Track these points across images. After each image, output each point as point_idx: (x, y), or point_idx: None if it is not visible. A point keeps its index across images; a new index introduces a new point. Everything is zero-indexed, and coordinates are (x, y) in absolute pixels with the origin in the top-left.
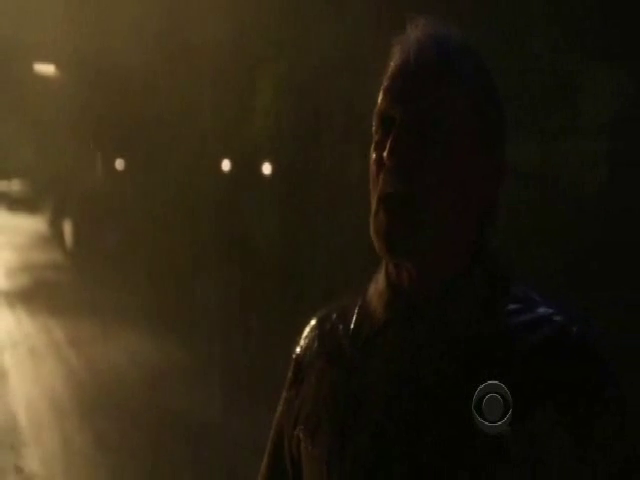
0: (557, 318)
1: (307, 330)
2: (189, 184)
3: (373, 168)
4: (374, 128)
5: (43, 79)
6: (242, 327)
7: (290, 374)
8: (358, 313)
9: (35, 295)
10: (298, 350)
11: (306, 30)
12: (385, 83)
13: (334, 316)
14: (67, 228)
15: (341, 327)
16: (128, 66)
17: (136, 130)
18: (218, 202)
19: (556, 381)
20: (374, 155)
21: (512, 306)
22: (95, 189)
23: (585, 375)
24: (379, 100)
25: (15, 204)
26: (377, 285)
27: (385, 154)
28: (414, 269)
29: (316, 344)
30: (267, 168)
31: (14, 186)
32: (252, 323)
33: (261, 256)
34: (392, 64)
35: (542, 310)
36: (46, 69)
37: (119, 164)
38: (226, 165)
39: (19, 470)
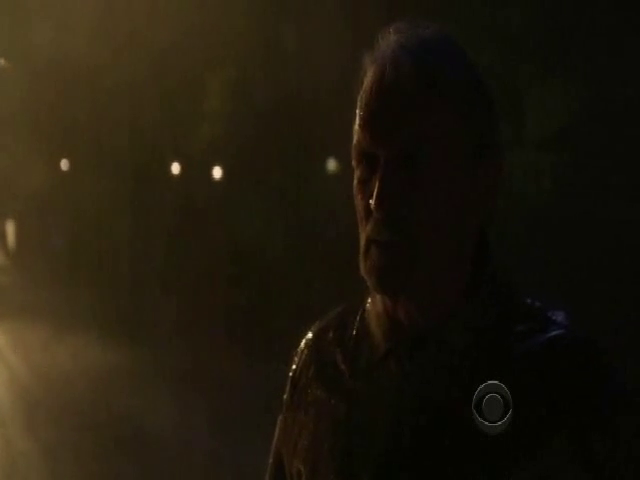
0: (568, 339)
1: (302, 346)
2: (137, 186)
3: (359, 209)
4: (354, 162)
5: None
6: (190, 331)
7: (286, 396)
8: (356, 336)
9: None
10: (294, 368)
11: (256, 35)
12: (361, 112)
13: (330, 335)
14: (9, 228)
15: (339, 351)
16: (76, 65)
17: (83, 130)
18: (167, 205)
19: (569, 406)
20: (359, 196)
21: (519, 327)
22: (39, 189)
23: (599, 400)
24: (356, 131)
25: None
26: (375, 306)
27: (372, 203)
28: (411, 304)
29: (313, 367)
30: (217, 172)
31: None
32: (201, 326)
33: (210, 258)
34: (365, 86)
35: (551, 330)
36: (4, 63)
37: (64, 164)
38: (176, 168)
39: None
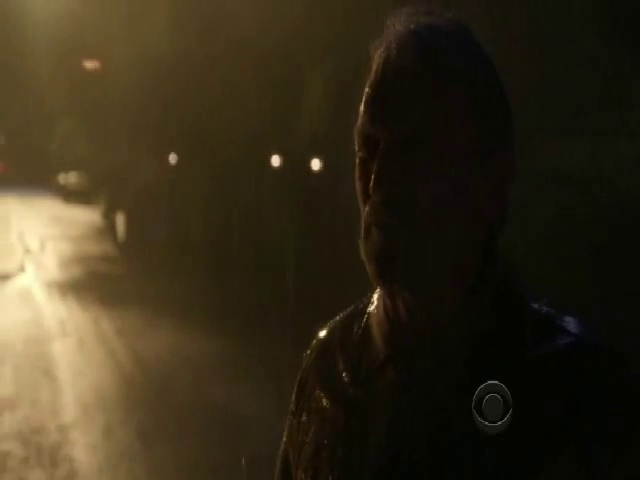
0: (577, 348)
1: (311, 348)
2: (239, 179)
3: (360, 193)
4: (356, 145)
5: (98, 75)
6: (289, 322)
7: (293, 398)
8: (359, 341)
9: (86, 286)
10: (301, 372)
11: (355, 30)
12: (365, 94)
13: (336, 338)
14: (120, 220)
15: (341, 356)
16: (181, 65)
17: (189, 125)
18: (267, 197)
19: (577, 419)
20: (359, 179)
21: (525, 334)
22: (148, 182)
23: (610, 414)
24: (360, 113)
25: (71, 196)
26: (378, 309)
27: (370, 185)
28: (411, 300)
29: (316, 372)
30: (316, 164)
31: (70, 178)
32: (294, 320)
33: (310, 250)
34: (372, 70)
35: (560, 339)
36: (100, 65)
37: (172, 158)
38: (276, 160)
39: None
